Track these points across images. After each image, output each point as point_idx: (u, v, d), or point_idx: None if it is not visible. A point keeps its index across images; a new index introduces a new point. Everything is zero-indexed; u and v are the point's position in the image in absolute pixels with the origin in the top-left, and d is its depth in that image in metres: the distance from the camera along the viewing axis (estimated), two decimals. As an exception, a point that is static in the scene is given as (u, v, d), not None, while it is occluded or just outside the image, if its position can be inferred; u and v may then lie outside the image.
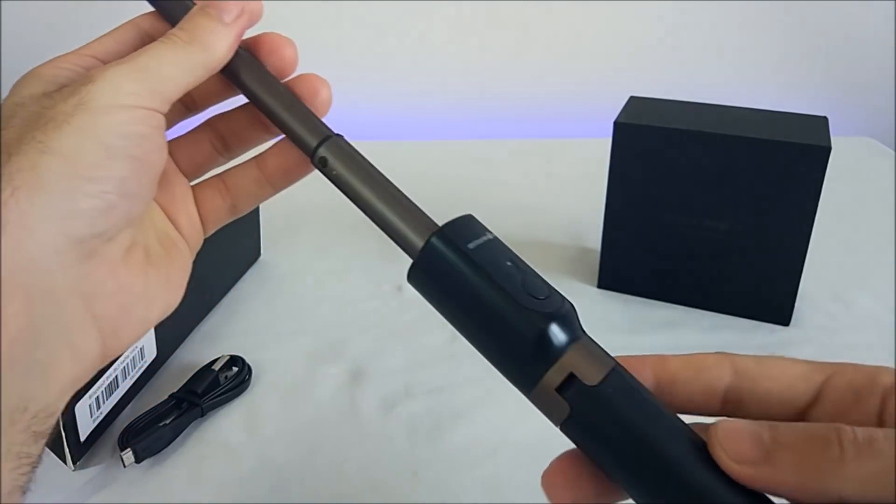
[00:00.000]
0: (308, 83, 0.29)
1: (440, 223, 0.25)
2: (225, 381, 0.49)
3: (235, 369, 0.50)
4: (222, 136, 0.31)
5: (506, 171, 0.89)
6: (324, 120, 0.28)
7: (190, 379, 0.49)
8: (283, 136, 0.29)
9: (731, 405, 0.23)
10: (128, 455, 0.43)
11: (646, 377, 0.23)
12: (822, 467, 0.19)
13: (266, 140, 0.31)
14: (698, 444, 0.21)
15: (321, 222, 0.72)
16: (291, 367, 0.53)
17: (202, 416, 0.47)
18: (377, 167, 0.27)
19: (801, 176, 0.53)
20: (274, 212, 0.70)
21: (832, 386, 0.23)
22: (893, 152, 0.96)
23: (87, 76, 0.25)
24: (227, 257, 0.61)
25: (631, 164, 0.57)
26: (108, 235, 0.24)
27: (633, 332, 0.57)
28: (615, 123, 0.57)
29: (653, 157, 0.56)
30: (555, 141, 1.00)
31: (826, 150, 0.52)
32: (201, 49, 0.26)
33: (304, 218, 0.73)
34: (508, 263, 0.24)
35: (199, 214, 0.31)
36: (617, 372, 0.22)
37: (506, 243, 0.25)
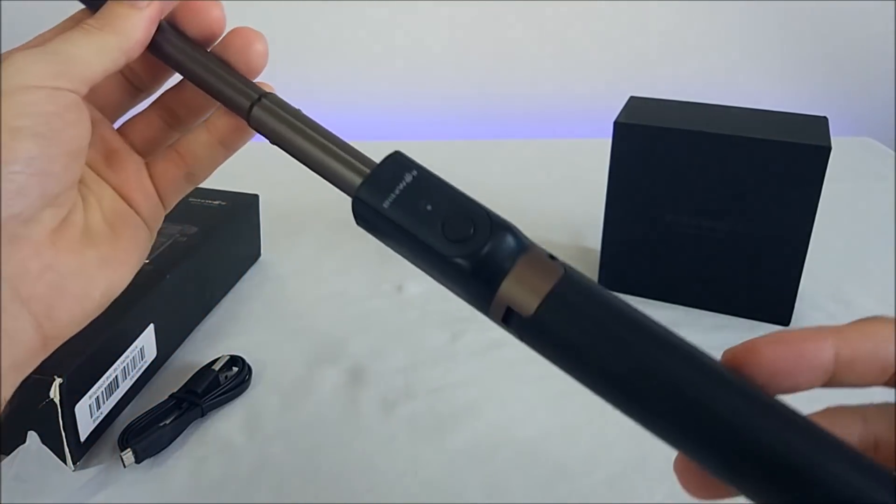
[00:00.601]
0: (240, 36, 0.29)
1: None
2: (225, 381, 0.49)
3: (235, 369, 0.50)
4: (172, 109, 0.32)
5: (506, 171, 0.89)
6: (255, 82, 0.29)
7: (190, 379, 0.49)
8: None
9: (835, 377, 0.24)
10: (128, 455, 0.43)
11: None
12: None
13: (214, 107, 0.31)
14: (668, 342, 0.21)
15: (321, 222, 0.72)
16: (291, 367, 0.53)
17: (202, 416, 0.47)
18: (310, 118, 0.27)
19: (801, 176, 0.53)
20: (274, 212, 0.70)
21: None
22: (893, 152, 0.96)
23: None
24: (227, 257, 0.61)
25: (631, 164, 0.57)
26: (24, 216, 0.24)
27: (633, 332, 0.57)
28: (615, 123, 0.57)
29: (653, 157, 0.56)
30: (555, 141, 1.00)
31: (826, 150, 0.52)
32: (114, 33, 0.26)
33: (304, 218, 0.73)
34: (428, 208, 0.24)
35: (157, 188, 0.31)
36: (559, 291, 0.22)
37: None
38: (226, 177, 0.68)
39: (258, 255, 0.67)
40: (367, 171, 0.25)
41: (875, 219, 0.77)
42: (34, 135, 0.24)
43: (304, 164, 0.27)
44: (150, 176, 0.31)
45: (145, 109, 0.32)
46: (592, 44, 1.02)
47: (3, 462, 0.39)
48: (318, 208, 0.72)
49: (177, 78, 0.31)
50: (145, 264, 0.50)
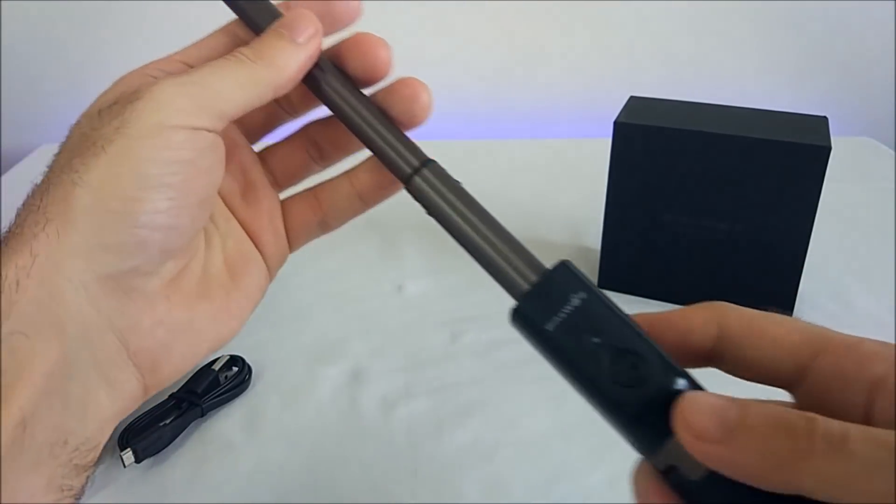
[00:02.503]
0: (408, 87, 0.27)
1: None
2: (225, 381, 0.49)
3: (235, 369, 0.50)
4: (317, 143, 0.30)
5: (506, 171, 0.89)
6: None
7: (190, 379, 0.49)
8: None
9: (714, 362, 0.23)
10: (128, 455, 0.43)
11: None
12: (786, 458, 0.17)
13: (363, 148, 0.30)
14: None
15: (321, 222, 0.72)
16: (291, 367, 0.53)
17: (202, 416, 0.47)
18: (473, 196, 0.26)
19: (801, 176, 0.53)
20: (274, 212, 0.70)
21: (819, 367, 0.21)
22: (893, 152, 0.96)
23: (136, 91, 0.23)
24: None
25: (631, 164, 0.57)
26: (143, 271, 0.23)
27: (633, 332, 0.57)
28: (615, 123, 0.57)
29: (653, 157, 0.56)
30: (555, 141, 1.00)
31: (826, 150, 0.52)
32: (267, 66, 0.25)
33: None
34: (595, 341, 0.22)
35: (287, 230, 0.30)
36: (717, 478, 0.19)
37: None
38: (226, 177, 0.68)
39: (258, 255, 0.67)
40: (533, 277, 0.24)
41: (875, 219, 0.77)
42: (166, 185, 0.23)
43: (462, 245, 0.25)
44: (283, 216, 0.29)
45: (289, 138, 0.30)
46: (592, 44, 1.02)
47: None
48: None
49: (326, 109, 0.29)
50: (145, 264, 0.50)
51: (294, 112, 0.30)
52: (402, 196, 0.29)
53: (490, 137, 1.01)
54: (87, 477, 0.23)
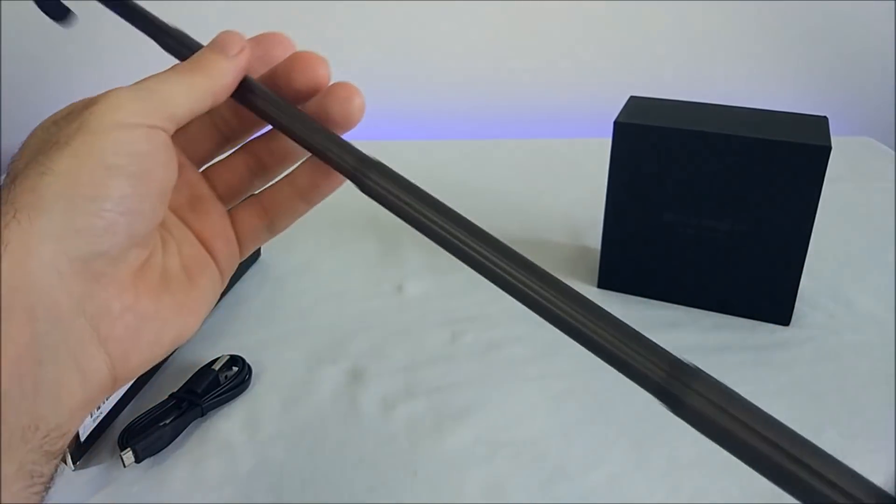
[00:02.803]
0: (343, 91, 0.29)
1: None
2: (225, 381, 0.49)
3: (235, 369, 0.50)
4: (259, 157, 0.32)
5: (506, 171, 0.89)
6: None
7: (190, 379, 0.49)
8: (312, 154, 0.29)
9: None
10: (128, 455, 0.43)
11: None
12: None
13: (302, 157, 0.32)
14: None
15: (321, 222, 0.72)
16: (291, 367, 0.53)
17: (202, 416, 0.47)
18: (420, 188, 0.27)
19: (801, 176, 0.53)
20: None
21: None
22: (893, 152, 0.96)
23: (91, 99, 0.25)
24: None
25: (631, 164, 0.57)
26: (111, 255, 0.24)
27: (633, 332, 0.57)
28: (615, 123, 0.57)
29: (653, 157, 0.56)
30: (555, 141, 1.00)
31: (826, 150, 0.52)
32: (205, 76, 0.27)
33: (304, 218, 0.73)
34: None
35: (237, 236, 0.32)
36: None
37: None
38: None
39: (258, 254, 0.67)
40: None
41: (875, 219, 0.77)
42: (128, 174, 0.24)
43: (419, 230, 0.26)
44: (233, 224, 0.32)
45: (230, 155, 0.32)
46: (592, 44, 1.02)
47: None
48: (318, 208, 0.71)
49: (263, 127, 0.31)
50: (145, 264, 0.50)
51: (235, 138, 0.32)
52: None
53: (490, 137, 1.01)
54: (56, 465, 0.24)
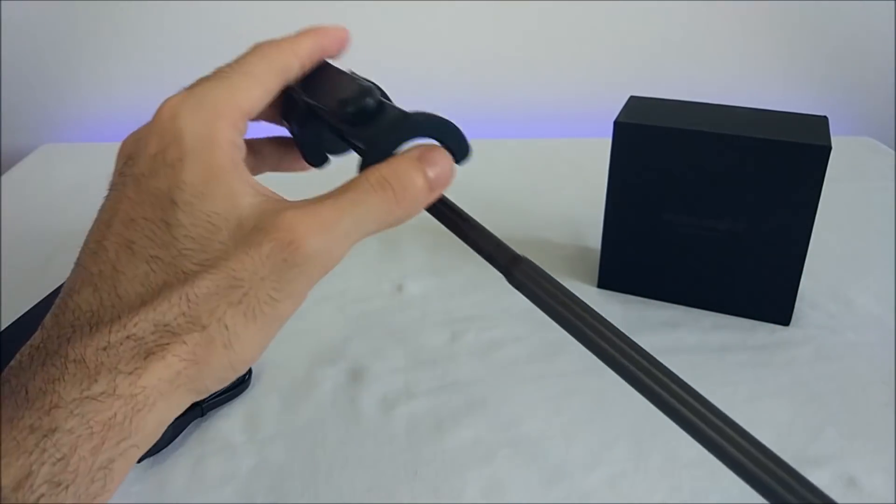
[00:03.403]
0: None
1: None
2: (225, 381, 0.49)
3: (235, 369, 0.50)
4: (265, 157, 0.33)
5: (506, 170, 0.89)
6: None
7: (190, 379, 0.49)
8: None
9: None
10: (128, 455, 0.43)
11: None
12: None
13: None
14: None
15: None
16: (291, 367, 0.53)
17: (202, 415, 0.47)
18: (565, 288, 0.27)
19: (801, 176, 0.53)
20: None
21: None
22: (893, 152, 0.96)
23: (287, 234, 0.24)
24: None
25: (631, 164, 0.57)
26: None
27: (633, 332, 0.57)
28: (615, 123, 0.57)
29: (653, 157, 0.56)
30: (555, 141, 1.00)
31: (826, 150, 0.52)
32: (401, 206, 0.26)
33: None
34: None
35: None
36: None
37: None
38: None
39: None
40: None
41: (875, 219, 0.77)
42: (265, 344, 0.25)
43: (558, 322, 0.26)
44: None
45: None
46: (592, 44, 1.02)
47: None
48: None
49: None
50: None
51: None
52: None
53: (489, 137, 1.01)
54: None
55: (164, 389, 0.23)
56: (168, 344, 0.22)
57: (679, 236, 0.58)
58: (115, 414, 0.22)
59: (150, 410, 0.23)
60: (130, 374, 0.22)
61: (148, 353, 0.22)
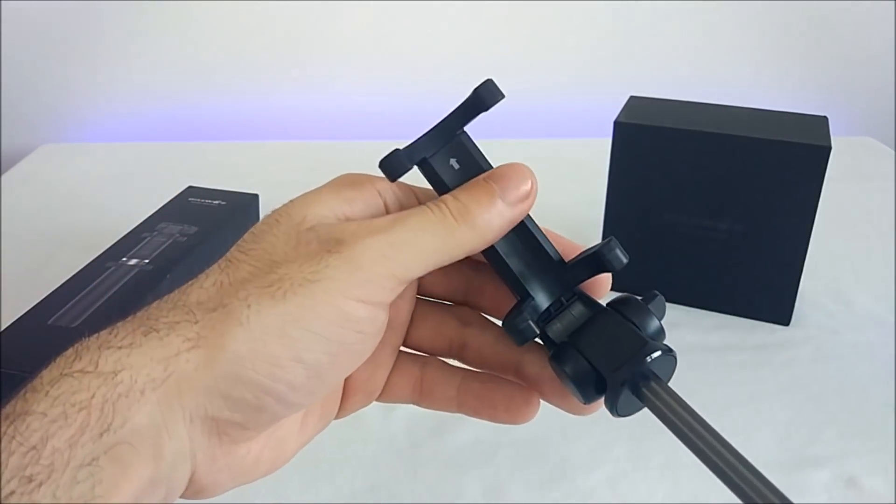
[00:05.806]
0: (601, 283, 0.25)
1: None
2: (225, 381, 0.49)
3: (235, 369, 0.50)
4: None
5: (506, 171, 0.89)
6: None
7: (190, 379, 0.48)
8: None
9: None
10: (128, 455, 0.42)
11: None
12: None
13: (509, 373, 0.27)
14: None
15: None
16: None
17: (202, 416, 0.47)
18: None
19: (801, 176, 0.53)
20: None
21: None
22: (893, 152, 0.96)
23: (340, 241, 0.22)
24: (227, 257, 0.61)
25: (631, 164, 0.57)
26: (245, 427, 0.23)
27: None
28: (615, 123, 0.57)
29: (653, 157, 0.56)
30: (555, 141, 1.00)
31: (826, 150, 0.52)
32: (469, 228, 0.23)
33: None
34: None
35: (384, 390, 0.28)
36: None
37: None
38: (226, 177, 0.68)
39: (258, 255, 0.66)
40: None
41: (875, 219, 0.77)
42: (314, 364, 0.22)
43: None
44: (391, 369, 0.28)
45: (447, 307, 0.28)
46: (592, 44, 1.02)
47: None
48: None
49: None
50: (145, 264, 0.50)
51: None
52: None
53: (490, 137, 1.00)
54: None
55: (155, 375, 0.21)
56: (178, 322, 0.21)
57: (679, 236, 0.58)
58: (94, 395, 0.20)
59: (139, 400, 0.20)
60: (119, 349, 0.20)
61: (149, 329, 0.21)
